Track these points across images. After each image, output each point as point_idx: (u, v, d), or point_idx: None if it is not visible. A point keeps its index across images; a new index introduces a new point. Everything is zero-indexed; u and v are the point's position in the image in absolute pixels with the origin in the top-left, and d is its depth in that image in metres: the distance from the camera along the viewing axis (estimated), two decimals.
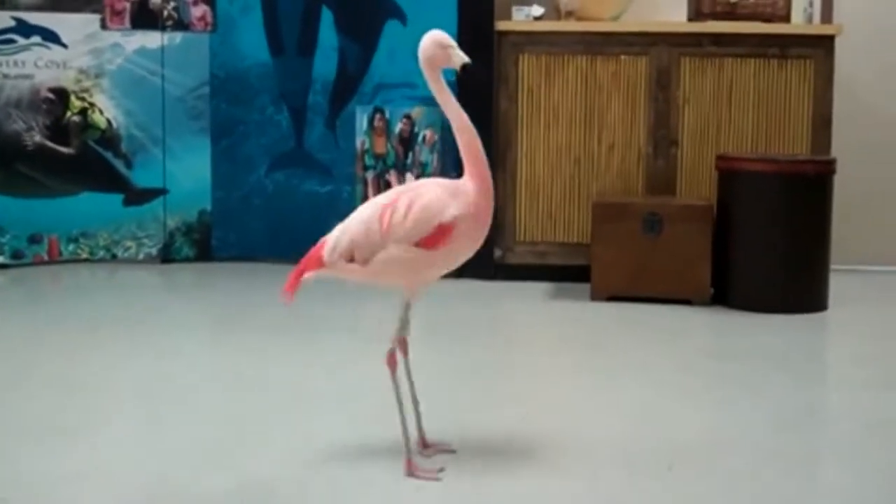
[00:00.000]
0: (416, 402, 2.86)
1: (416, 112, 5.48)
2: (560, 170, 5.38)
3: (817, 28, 5.36)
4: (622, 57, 5.32)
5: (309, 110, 5.72)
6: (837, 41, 5.22)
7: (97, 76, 5.66)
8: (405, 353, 2.84)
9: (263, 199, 5.78)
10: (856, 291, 5.20)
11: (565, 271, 5.34)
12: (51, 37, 5.58)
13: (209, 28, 5.72)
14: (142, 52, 5.69)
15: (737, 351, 4.14)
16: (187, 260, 5.78)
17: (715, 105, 5.30)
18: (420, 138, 5.51)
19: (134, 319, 4.52)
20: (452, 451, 2.85)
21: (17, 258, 5.60)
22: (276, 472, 2.73)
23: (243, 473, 2.72)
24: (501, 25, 5.34)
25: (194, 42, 5.71)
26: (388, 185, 5.53)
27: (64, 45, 5.60)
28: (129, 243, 5.76)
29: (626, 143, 5.34)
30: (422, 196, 2.68)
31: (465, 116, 2.71)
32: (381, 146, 5.58)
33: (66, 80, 5.63)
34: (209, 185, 5.77)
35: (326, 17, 5.67)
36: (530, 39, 5.35)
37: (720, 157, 5.04)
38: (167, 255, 5.78)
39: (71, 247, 5.69)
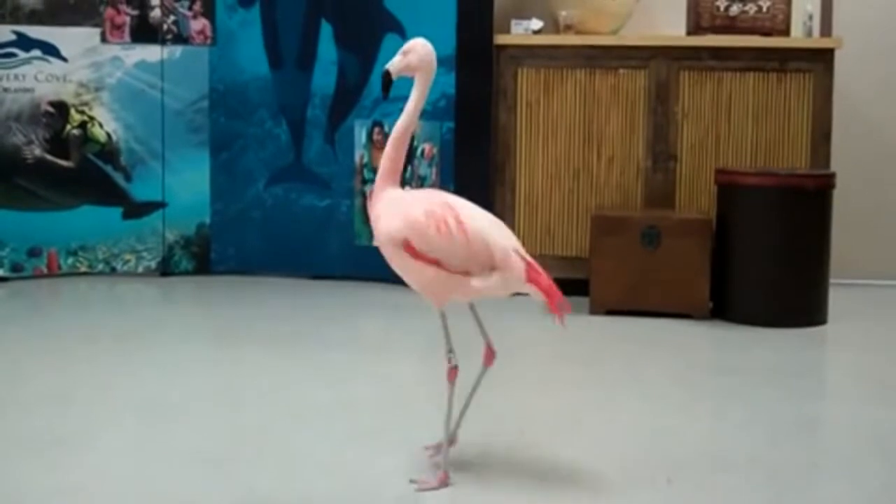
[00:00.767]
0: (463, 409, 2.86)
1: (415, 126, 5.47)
2: (559, 183, 5.38)
3: (817, 42, 5.35)
4: (621, 71, 5.33)
5: (308, 124, 5.72)
6: (837, 55, 5.22)
7: (97, 90, 5.67)
8: (489, 362, 2.81)
9: (262, 213, 5.78)
10: (855, 305, 5.20)
11: (564, 285, 5.25)
12: (51, 50, 5.59)
13: (208, 42, 5.73)
14: (141, 65, 5.70)
15: (736, 365, 4.13)
16: (186, 273, 5.78)
17: (714, 118, 5.31)
18: (419, 152, 5.51)
19: (132, 332, 4.52)
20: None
21: (17, 271, 5.60)
22: (274, 485, 2.72)
23: (242, 487, 2.71)
24: (500, 39, 5.35)
25: (194, 56, 5.72)
26: None
27: (64, 59, 5.61)
28: (128, 256, 5.76)
29: (624, 156, 5.35)
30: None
31: (405, 122, 2.86)
32: (379, 160, 5.57)
33: (66, 93, 5.64)
34: (208, 199, 5.77)
35: (325, 30, 5.68)
36: (529, 53, 5.36)
37: (719, 171, 5.04)
38: (166, 269, 5.77)
39: (70, 260, 5.69)
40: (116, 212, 5.74)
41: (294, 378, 3.81)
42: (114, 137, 5.71)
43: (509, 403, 3.58)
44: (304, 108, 5.71)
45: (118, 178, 5.73)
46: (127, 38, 5.67)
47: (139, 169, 5.74)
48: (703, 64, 5.29)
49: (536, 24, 5.44)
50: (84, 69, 5.65)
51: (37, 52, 5.58)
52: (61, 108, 5.64)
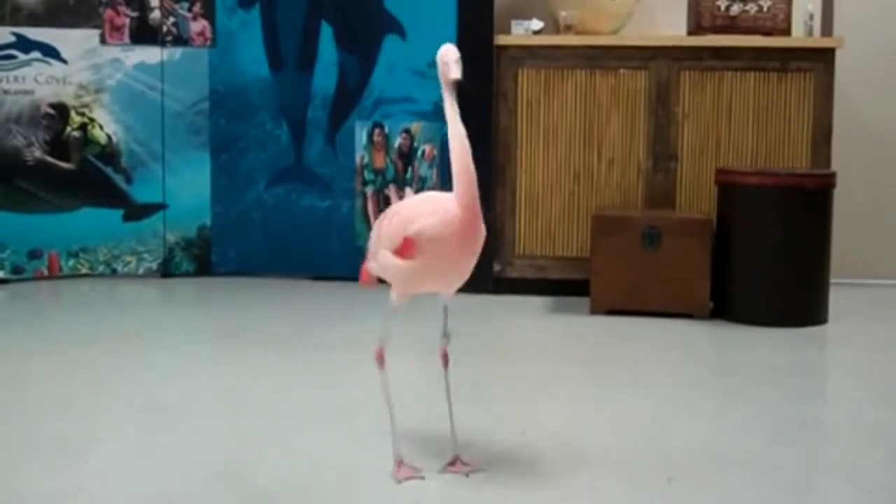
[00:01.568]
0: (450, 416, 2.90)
1: (416, 127, 5.48)
2: (559, 184, 5.38)
3: (818, 41, 5.35)
4: (621, 71, 5.33)
5: (308, 125, 5.72)
6: (838, 54, 5.22)
7: (97, 91, 5.67)
8: (445, 365, 2.88)
9: (263, 214, 5.79)
10: (856, 305, 5.20)
11: (564, 285, 5.34)
12: (51, 52, 5.60)
13: (208, 43, 5.73)
14: (141, 67, 5.70)
15: (736, 365, 4.13)
16: (187, 275, 5.78)
17: (715, 119, 5.31)
18: (419, 153, 5.51)
19: (133, 334, 4.52)
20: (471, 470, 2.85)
21: (17, 273, 5.60)
22: (276, 486, 2.72)
23: (243, 488, 2.71)
24: (500, 40, 5.35)
25: (194, 57, 5.72)
26: (387, 200, 5.53)
27: (64, 61, 5.61)
28: (128, 258, 5.77)
29: (625, 156, 5.35)
30: (405, 208, 2.77)
31: (460, 128, 2.72)
32: (380, 161, 5.59)
33: (66, 95, 5.64)
34: (209, 200, 5.77)
35: (326, 31, 5.68)
36: (529, 54, 5.36)
37: (720, 171, 5.04)
38: (167, 270, 5.78)
39: (71, 262, 5.70)
40: (117, 213, 5.74)
41: (295, 379, 3.81)
42: (114, 139, 5.71)
43: (510, 403, 3.58)
44: (305, 109, 5.71)
45: (119, 179, 5.73)
46: (127, 39, 5.68)
47: (140, 171, 5.75)
48: (703, 64, 5.29)
49: (537, 24, 5.44)
50: (84, 71, 5.65)
51: (36, 54, 5.58)
52: (61, 109, 5.64)
